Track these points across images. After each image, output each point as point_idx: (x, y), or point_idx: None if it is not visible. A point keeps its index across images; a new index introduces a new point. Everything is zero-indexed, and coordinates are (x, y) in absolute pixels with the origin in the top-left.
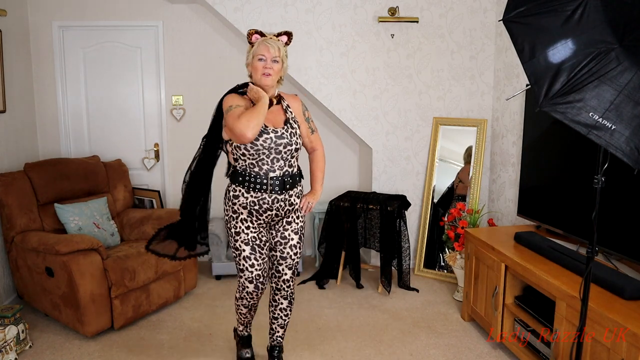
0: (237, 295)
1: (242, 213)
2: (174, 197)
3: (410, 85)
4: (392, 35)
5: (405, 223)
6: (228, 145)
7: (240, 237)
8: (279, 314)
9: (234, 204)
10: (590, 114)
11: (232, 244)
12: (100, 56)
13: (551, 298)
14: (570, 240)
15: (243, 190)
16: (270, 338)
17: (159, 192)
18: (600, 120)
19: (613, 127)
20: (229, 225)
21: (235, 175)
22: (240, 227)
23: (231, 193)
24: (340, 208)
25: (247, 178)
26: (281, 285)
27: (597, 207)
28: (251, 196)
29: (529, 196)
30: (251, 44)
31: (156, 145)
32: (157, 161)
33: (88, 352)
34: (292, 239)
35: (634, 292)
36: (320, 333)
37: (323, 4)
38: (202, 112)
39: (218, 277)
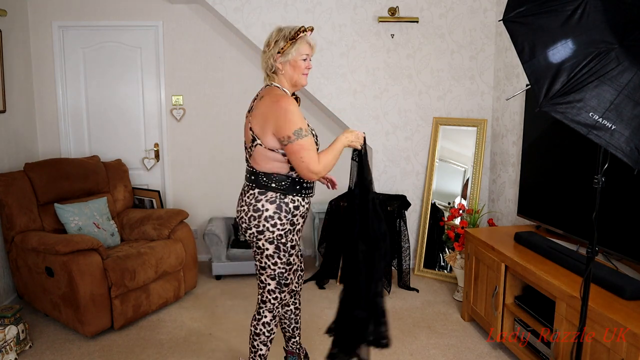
0: (268, 318)
1: (299, 223)
2: (173, 197)
3: (410, 85)
4: (392, 35)
5: (405, 223)
6: (278, 154)
7: (295, 250)
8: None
9: (294, 215)
10: (590, 114)
11: (284, 260)
12: (100, 56)
13: (551, 298)
14: (570, 240)
15: (300, 199)
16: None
17: (159, 192)
18: (600, 120)
19: (613, 127)
20: (283, 241)
21: (293, 185)
22: (295, 240)
23: (290, 205)
24: (341, 208)
25: (305, 185)
26: (297, 299)
27: (597, 207)
28: (306, 203)
29: (529, 196)
30: (293, 39)
31: (156, 145)
32: (157, 161)
33: (88, 352)
34: (300, 245)
35: (634, 292)
36: (320, 333)
37: (323, 4)
38: (202, 112)
39: (218, 277)
